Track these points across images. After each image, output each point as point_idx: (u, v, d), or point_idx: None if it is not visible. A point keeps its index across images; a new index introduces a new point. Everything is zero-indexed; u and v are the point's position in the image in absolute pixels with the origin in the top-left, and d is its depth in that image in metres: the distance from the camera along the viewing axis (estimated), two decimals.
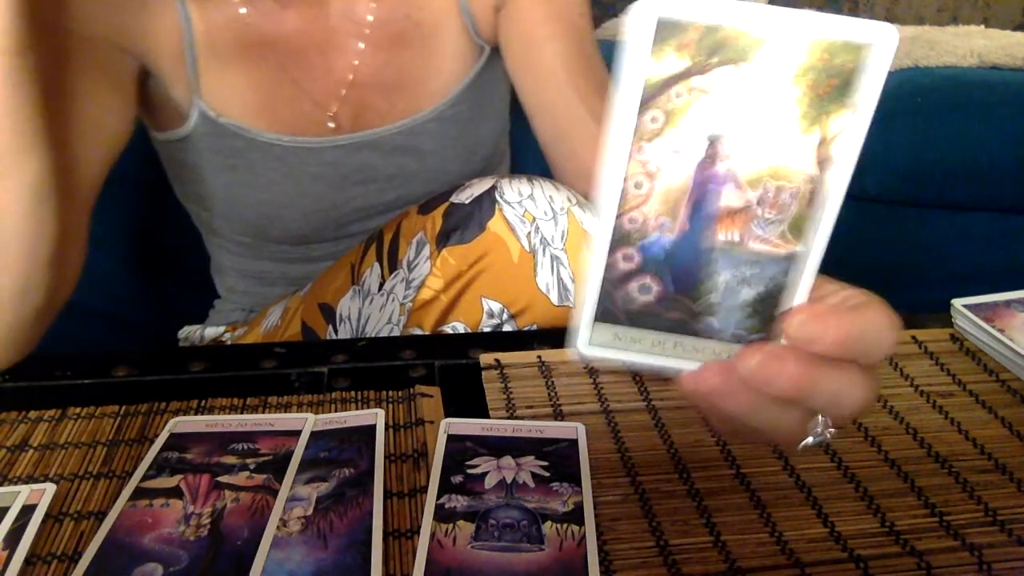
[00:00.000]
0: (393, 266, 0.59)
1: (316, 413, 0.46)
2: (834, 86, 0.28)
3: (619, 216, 0.30)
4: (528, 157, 0.85)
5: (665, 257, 0.31)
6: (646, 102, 0.28)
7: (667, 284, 0.31)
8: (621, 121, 0.29)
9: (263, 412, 0.46)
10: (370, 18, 0.68)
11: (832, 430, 0.35)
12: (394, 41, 0.69)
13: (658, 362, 0.33)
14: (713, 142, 0.29)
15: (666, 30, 0.27)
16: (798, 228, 0.30)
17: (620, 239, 0.31)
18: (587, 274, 0.31)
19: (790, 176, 0.29)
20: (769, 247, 0.31)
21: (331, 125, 0.69)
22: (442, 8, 0.70)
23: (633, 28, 0.27)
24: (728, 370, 0.31)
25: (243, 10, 0.65)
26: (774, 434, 0.33)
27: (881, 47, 0.28)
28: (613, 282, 0.31)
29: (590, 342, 0.32)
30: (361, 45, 0.68)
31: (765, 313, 0.32)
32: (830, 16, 0.27)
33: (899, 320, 0.32)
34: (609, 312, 0.32)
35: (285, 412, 0.46)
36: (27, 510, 0.38)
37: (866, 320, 0.31)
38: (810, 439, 0.35)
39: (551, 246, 0.55)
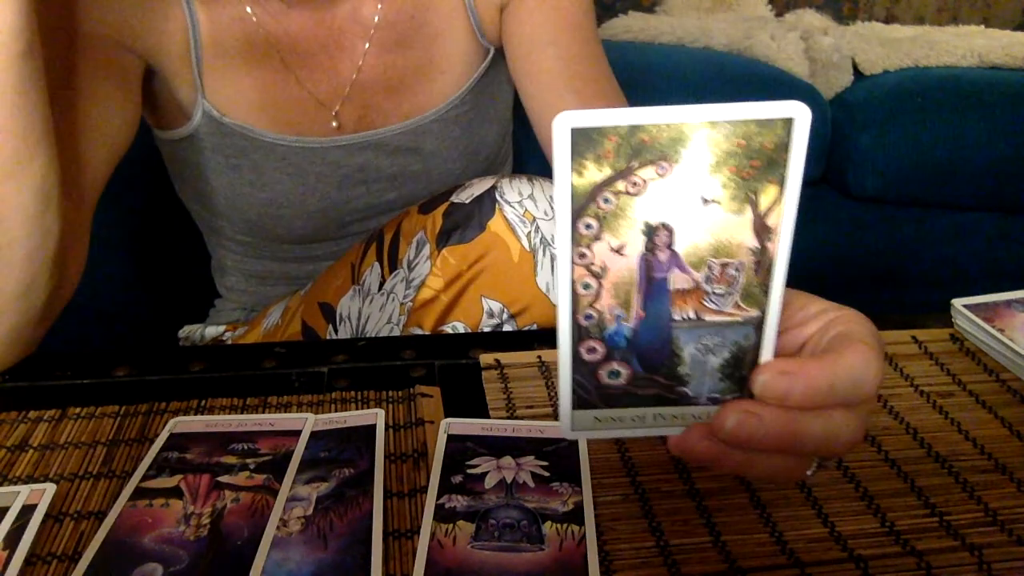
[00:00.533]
0: (393, 266, 0.59)
1: (316, 413, 0.46)
2: (757, 167, 0.29)
3: (575, 314, 0.31)
4: (531, 157, 0.85)
5: (628, 344, 0.32)
6: (579, 210, 0.29)
7: (635, 367, 0.32)
8: (559, 230, 0.30)
9: (263, 412, 0.46)
10: (376, 19, 0.68)
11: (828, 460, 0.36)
12: (399, 42, 0.69)
13: (642, 434, 0.34)
14: (650, 236, 0.30)
15: (583, 141, 0.28)
16: (750, 296, 0.31)
17: (581, 334, 0.32)
18: (558, 367, 0.32)
19: (732, 252, 0.30)
20: (725, 317, 0.32)
21: (335, 125, 0.69)
22: (448, 9, 0.70)
23: (555, 141, 0.28)
24: (710, 434, 0.32)
25: (249, 10, 0.65)
26: (774, 478, 0.33)
27: (795, 124, 0.28)
28: (583, 373, 0.32)
29: (573, 428, 0.34)
30: (366, 45, 0.68)
31: (736, 376, 0.33)
32: (740, 105, 0.28)
33: (880, 359, 0.32)
34: (585, 399, 0.33)
35: (285, 412, 0.46)
36: (27, 510, 0.38)
37: (838, 367, 0.31)
38: (810, 472, 0.35)
39: (551, 246, 0.55)
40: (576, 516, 0.38)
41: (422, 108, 0.71)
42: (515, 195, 0.56)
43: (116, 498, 0.39)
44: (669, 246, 0.30)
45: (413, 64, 0.70)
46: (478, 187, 0.57)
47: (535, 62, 0.69)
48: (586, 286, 0.31)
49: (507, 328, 0.56)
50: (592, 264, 0.30)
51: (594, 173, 0.29)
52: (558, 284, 0.31)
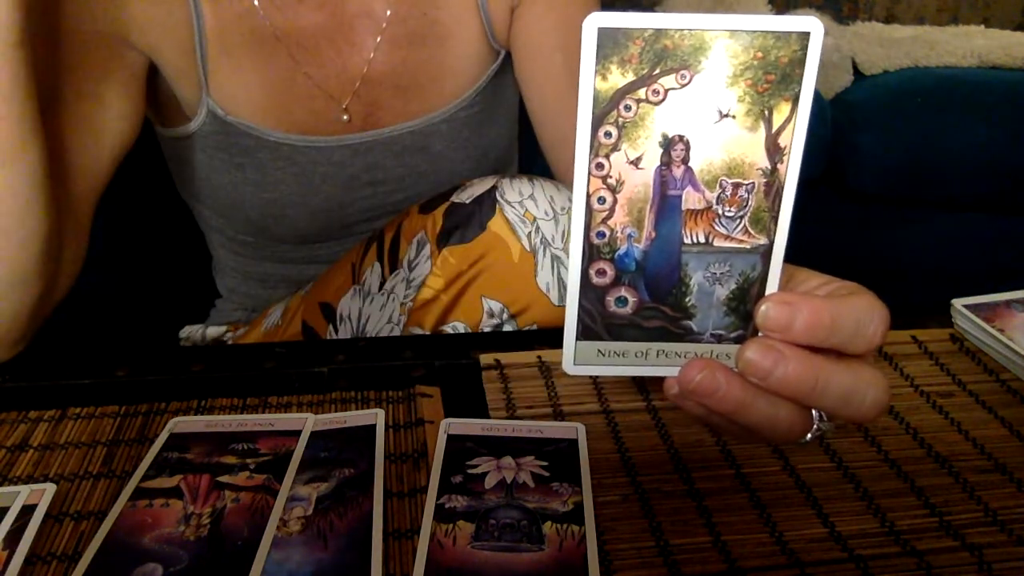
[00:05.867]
0: (394, 265, 0.59)
1: (316, 413, 0.46)
2: (772, 81, 0.30)
3: (587, 232, 0.32)
4: (536, 159, 0.85)
5: (637, 267, 0.32)
6: (600, 116, 0.30)
7: (642, 293, 0.33)
8: (579, 139, 0.30)
9: (263, 412, 0.46)
10: (388, 13, 0.67)
11: (830, 424, 0.35)
12: (411, 39, 0.69)
13: (644, 372, 0.34)
14: (667, 149, 0.31)
15: (608, 44, 0.29)
16: (759, 221, 0.32)
17: (592, 255, 0.32)
18: (567, 293, 0.33)
19: (744, 172, 0.31)
20: (734, 243, 0.32)
21: (345, 119, 0.69)
22: (460, 9, 0.69)
23: (583, 43, 0.29)
24: (711, 366, 0.31)
25: (256, 3, 0.64)
26: (772, 432, 0.33)
27: (810, 39, 0.29)
28: (591, 299, 0.33)
29: (575, 361, 0.34)
30: (377, 40, 0.68)
31: (741, 310, 0.33)
32: (759, 16, 0.29)
33: (885, 309, 0.32)
34: (591, 330, 0.33)
35: (285, 412, 0.46)
36: (27, 510, 0.38)
37: (843, 305, 0.31)
38: (808, 436, 0.35)
39: (551, 246, 0.55)
40: (576, 516, 0.38)
41: (431, 108, 0.71)
42: (515, 195, 0.56)
43: (116, 498, 0.39)
44: (685, 161, 0.31)
45: (423, 62, 0.70)
46: (478, 187, 0.57)
47: (541, 67, 0.69)
48: (601, 200, 0.31)
49: (507, 328, 0.56)
50: (608, 176, 0.31)
51: (617, 77, 0.30)
52: (574, 198, 0.31)
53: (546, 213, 0.55)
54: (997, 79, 1.46)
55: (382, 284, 0.59)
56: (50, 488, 0.40)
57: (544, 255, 0.55)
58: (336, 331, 0.63)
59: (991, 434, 0.45)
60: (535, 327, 0.56)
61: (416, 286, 0.57)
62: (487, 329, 0.56)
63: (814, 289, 0.34)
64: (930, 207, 1.48)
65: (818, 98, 1.45)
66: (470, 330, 0.56)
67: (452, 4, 0.69)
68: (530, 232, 0.55)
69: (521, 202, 0.56)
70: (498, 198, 0.55)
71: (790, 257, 0.33)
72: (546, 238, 0.55)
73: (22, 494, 0.39)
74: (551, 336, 0.54)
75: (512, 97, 0.78)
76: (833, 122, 1.43)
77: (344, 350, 0.53)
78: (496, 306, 0.55)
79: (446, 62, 0.70)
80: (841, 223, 1.50)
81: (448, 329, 0.56)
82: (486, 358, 0.51)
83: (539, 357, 0.51)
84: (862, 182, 1.43)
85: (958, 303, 0.55)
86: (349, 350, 0.53)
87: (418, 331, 0.57)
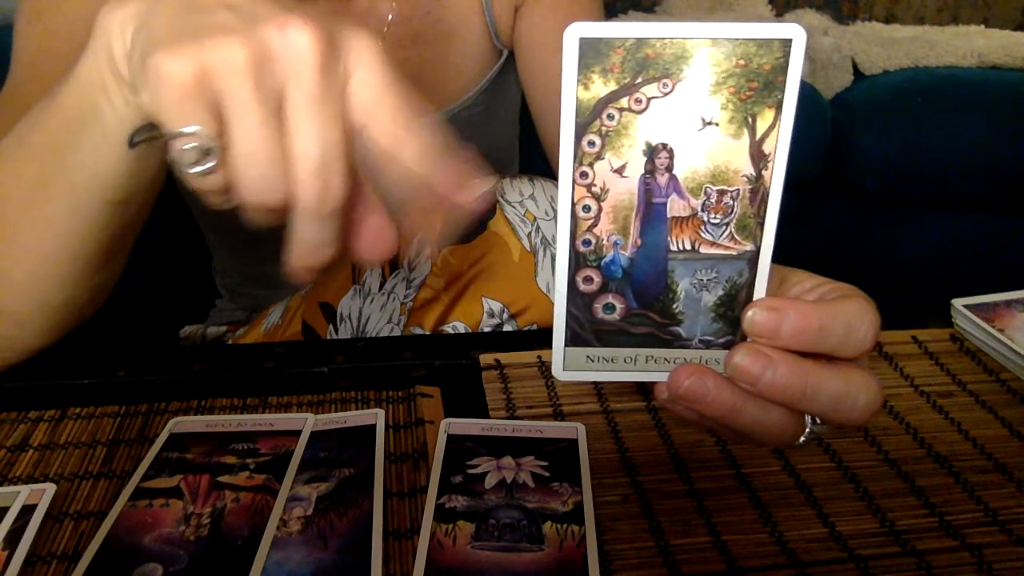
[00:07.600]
0: (394, 265, 0.59)
1: (316, 413, 0.46)
2: (755, 89, 0.30)
3: (573, 240, 0.32)
4: (536, 159, 0.85)
5: (623, 274, 0.32)
6: (583, 125, 0.30)
7: (629, 300, 0.33)
8: (563, 149, 0.31)
9: (263, 412, 0.46)
10: (390, 17, 0.68)
11: (823, 426, 0.35)
12: (414, 39, 0.69)
13: (633, 378, 0.34)
14: (651, 157, 0.31)
15: (590, 54, 0.29)
16: (745, 227, 0.32)
17: (578, 262, 0.32)
18: (554, 299, 0.33)
19: (729, 179, 0.31)
20: (721, 250, 0.32)
21: None
22: (464, 8, 0.69)
23: (564, 52, 0.29)
24: (700, 371, 0.31)
25: None
26: (763, 436, 0.33)
27: (792, 46, 0.29)
28: (578, 306, 0.33)
29: (564, 367, 0.34)
30: (379, 42, 0.68)
31: (729, 316, 0.33)
32: (741, 24, 0.29)
33: (876, 313, 0.32)
34: (579, 336, 0.33)
35: (285, 412, 0.46)
36: (27, 510, 0.38)
37: (832, 310, 0.31)
38: (802, 440, 0.35)
39: (552, 246, 0.55)
40: (576, 516, 0.38)
41: (434, 107, 0.71)
42: (516, 195, 0.56)
43: (116, 498, 0.39)
44: (669, 169, 0.31)
45: (427, 61, 0.70)
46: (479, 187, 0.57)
47: (543, 66, 0.69)
48: (586, 208, 0.31)
49: (507, 328, 0.56)
50: (593, 185, 0.31)
51: (600, 87, 0.30)
52: (559, 206, 0.31)
53: (546, 213, 0.55)
54: (997, 79, 1.46)
55: (382, 284, 0.59)
56: (50, 488, 0.40)
57: (544, 255, 0.55)
58: (336, 331, 0.63)
59: (991, 434, 0.45)
60: (535, 327, 0.56)
61: (416, 286, 0.57)
62: (487, 329, 0.56)
63: (807, 291, 0.34)
64: (930, 207, 1.48)
65: (818, 98, 1.45)
66: (470, 330, 0.56)
67: (456, 4, 0.69)
68: (530, 232, 0.55)
69: (521, 202, 0.56)
70: (499, 198, 0.55)
71: (789, 258, 0.33)
72: (546, 238, 0.55)
73: (22, 494, 0.39)
74: (551, 336, 0.54)
75: (514, 97, 0.78)
76: (833, 122, 1.43)
77: (344, 350, 0.53)
78: (496, 306, 0.55)
79: (449, 62, 0.70)
80: (841, 223, 1.50)
81: (448, 329, 0.56)
82: (486, 358, 0.51)
83: (539, 357, 0.51)
84: (862, 182, 1.43)
85: (958, 303, 0.55)
86: (349, 350, 0.53)
87: (418, 331, 0.57)
